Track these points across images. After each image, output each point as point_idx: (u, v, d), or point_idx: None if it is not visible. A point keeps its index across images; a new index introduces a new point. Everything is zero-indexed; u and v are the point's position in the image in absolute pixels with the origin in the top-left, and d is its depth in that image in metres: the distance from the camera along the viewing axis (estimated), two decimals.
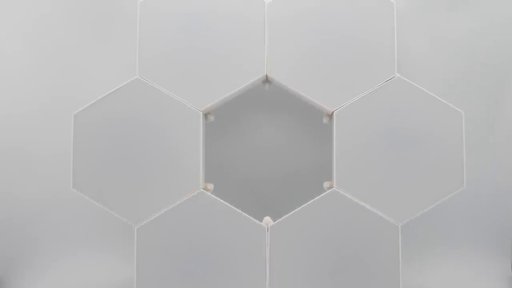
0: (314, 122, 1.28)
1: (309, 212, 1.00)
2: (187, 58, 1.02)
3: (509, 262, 1.29)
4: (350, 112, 1.02)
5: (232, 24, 1.02)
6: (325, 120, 1.08)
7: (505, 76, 1.31)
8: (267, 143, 1.33)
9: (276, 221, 1.00)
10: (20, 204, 1.29)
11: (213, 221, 1.00)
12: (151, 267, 0.99)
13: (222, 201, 1.00)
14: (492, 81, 1.31)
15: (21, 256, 1.28)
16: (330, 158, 1.04)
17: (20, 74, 1.29)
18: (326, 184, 1.07)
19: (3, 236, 1.28)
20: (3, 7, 1.28)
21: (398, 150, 1.01)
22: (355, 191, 1.01)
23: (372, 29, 1.02)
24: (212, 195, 1.01)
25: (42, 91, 1.29)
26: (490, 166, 1.32)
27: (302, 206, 1.00)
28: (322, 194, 1.01)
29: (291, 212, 1.00)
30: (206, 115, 1.05)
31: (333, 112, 1.02)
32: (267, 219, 1.05)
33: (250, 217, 1.00)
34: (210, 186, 1.04)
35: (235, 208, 1.00)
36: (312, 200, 1.00)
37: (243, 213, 1.00)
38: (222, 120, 1.26)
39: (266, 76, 1.03)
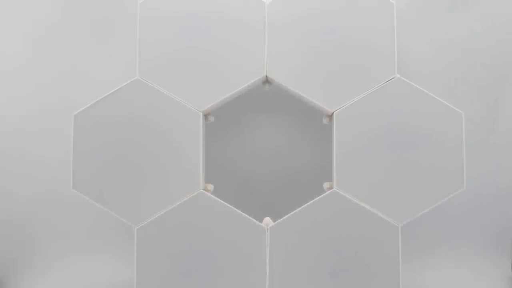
0: (314, 123, 1.28)
1: (309, 213, 1.00)
2: (187, 58, 1.01)
3: (509, 262, 1.29)
4: (350, 113, 1.02)
5: (232, 25, 1.02)
6: (325, 120, 1.08)
7: (505, 77, 1.30)
8: (267, 143, 1.33)
9: (276, 222, 1.00)
10: (20, 204, 1.29)
11: (213, 221, 0.99)
12: (151, 268, 0.99)
13: (222, 201, 1.00)
14: (492, 81, 1.31)
15: (21, 256, 1.28)
16: (330, 158, 1.04)
17: (20, 74, 1.29)
18: (326, 185, 1.07)
19: (3, 237, 1.28)
20: (3, 7, 1.28)
21: (398, 151, 1.00)
22: (355, 192, 1.00)
23: (372, 30, 1.02)
24: (212, 196, 1.01)
25: (42, 91, 1.29)
26: (490, 167, 1.32)
27: (302, 207, 1.00)
28: (322, 195, 1.01)
29: (291, 213, 1.00)
30: (206, 115, 1.05)
31: (333, 112, 1.02)
32: (267, 219, 1.05)
33: (250, 218, 1.00)
34: (210, 187, 1.04)
35: (235, 209, 1.00)
36: (312, 200, 1.00)
37: (243, 214, 1.00)
38: (222, 121, 1.26)
39: (266, 76, 1.03)
